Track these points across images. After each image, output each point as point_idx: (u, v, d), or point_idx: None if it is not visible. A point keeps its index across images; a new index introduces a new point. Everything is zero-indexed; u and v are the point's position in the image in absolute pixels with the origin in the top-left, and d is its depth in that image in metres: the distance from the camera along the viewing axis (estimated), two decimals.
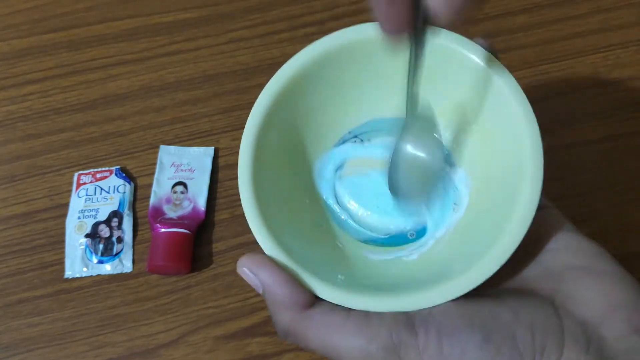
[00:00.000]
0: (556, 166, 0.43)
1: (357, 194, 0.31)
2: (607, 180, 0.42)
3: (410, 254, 0.29)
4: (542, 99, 0.46)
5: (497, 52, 0.27)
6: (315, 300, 0.24)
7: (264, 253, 0.26)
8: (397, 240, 0.30)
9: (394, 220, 0.30)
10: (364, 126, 0.32)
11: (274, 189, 0.28)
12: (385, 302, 0.23)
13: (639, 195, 0.42)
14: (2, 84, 0.48)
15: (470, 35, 0.28)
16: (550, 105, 0.47)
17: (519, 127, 0.26)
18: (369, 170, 0.31)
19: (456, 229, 0.29)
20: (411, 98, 0.27)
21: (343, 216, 0.30)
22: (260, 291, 0.25)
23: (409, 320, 0.22)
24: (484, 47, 0.27)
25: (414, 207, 0.30)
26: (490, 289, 0.24)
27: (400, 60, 0.27)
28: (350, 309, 0.24)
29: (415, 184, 0.29)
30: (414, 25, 0.21)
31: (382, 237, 0.30)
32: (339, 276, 0.26)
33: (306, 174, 0.31)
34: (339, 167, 0.31)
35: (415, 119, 0.28)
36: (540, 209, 0.24)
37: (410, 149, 0.28)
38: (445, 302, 0.23)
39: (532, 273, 0.25)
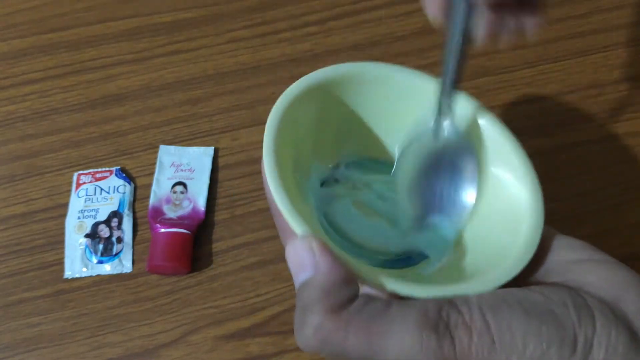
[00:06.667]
0: (556, 166, 0.43)
1: (348, 219, 0.29)
2: (607, 180, 0.42)
3: (426, 269, 0.28)
4: (542, 99, 0.46)
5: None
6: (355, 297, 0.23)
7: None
8: (409, 261, 0.29)
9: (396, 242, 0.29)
10: (349, 165, 0.31)
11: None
12: (429, 290, 0.23)
13: (639, 195, 0.42)
14: (2, 84, 0.48)
15: None
16: (550, 105, 0.47)
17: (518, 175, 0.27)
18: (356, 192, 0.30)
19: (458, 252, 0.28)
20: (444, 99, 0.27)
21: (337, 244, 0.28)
22: (307, 276, 0.23)
23: (450, 302, 0.23)
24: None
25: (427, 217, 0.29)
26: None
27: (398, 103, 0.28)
28: (388, 301, 0.23)
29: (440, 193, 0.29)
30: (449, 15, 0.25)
31: (391, 258, 0.29)
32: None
33: (305, 196, 0.29)
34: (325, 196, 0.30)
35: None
36: None
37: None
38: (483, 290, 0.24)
39: (539, 273, 0.26)
